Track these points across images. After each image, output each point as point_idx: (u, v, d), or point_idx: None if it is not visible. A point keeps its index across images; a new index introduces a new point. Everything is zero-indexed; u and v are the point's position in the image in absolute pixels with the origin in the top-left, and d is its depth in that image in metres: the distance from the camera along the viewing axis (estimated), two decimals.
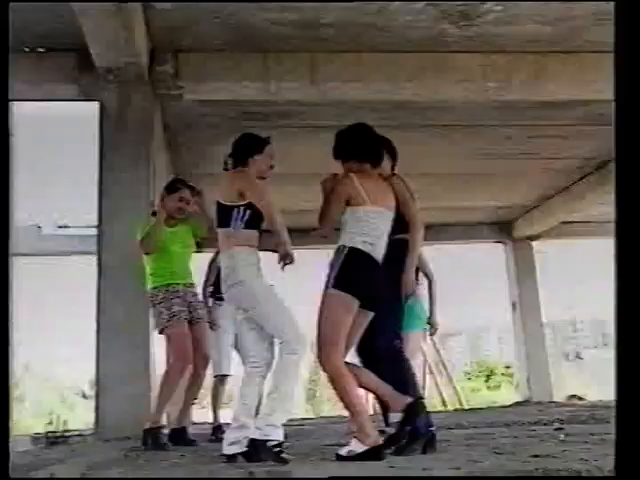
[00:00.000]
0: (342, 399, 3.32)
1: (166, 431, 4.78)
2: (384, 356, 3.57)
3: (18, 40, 5.95)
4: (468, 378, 38.25)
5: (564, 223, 12.52)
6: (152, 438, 4.42)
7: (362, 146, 3.59)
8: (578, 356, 36.88)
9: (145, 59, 5.97)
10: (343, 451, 3.26)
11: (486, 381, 37.18)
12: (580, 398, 13.17)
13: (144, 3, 5.42)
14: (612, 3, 2.02)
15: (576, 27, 6.01)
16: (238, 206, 3.50)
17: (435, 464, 2.96)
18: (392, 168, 4.00)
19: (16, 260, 14.04)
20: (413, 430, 3.33)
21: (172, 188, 4.82)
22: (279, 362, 3.37)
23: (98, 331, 5.74)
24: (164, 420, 4.75)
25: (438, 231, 12.34)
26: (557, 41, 6.25)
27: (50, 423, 11.90)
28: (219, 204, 3.57)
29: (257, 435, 3.21)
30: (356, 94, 6.66)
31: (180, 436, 4.71)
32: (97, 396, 5.71)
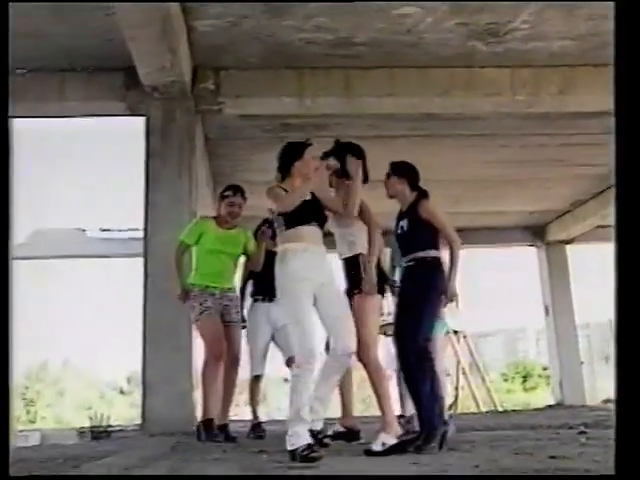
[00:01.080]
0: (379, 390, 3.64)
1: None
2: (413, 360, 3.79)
3: (70, 60, 6.40)
4: (504, 379, 37.95)
5: (599, 227, 12.58)
6: (204, 430, 4.77)
7: None
8: None
9: (188, 77, 6.34)
10: (377, 446, 3.53)
11: (523, 382, 36.86)
12: None
13: (188, 25, 5.77)
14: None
15: (602, 42, 6.18)
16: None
17: (456, 462, 3.24)
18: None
19: (61, 262, 14.64)
20: (429, 430, 3.60)
21: (223, 194, 5.13)
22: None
23: (144, 334, 6.12)
24: (213, 413, 4.91)
25: (472, 234, 12.47)
26: (584, 55, 6.43)
27: (92, 418, 12.35)
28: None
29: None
30: (388, 108, 6.92)
31: (221, 432, 4.94)
32: (143, 394, 6.09)
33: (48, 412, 30.96)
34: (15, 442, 7.60)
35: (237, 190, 5.12)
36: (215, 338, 4.82)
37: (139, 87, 6.36)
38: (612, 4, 1.87)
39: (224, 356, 4.87)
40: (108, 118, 7.16)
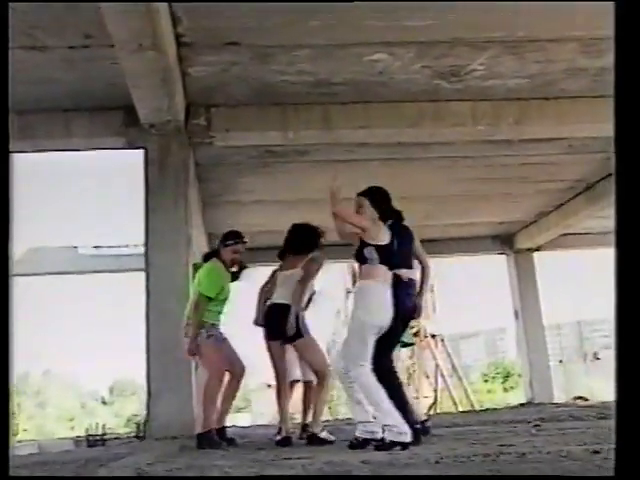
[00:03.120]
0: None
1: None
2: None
3: (75, 101, 7.05)
4: (485, 380, 38.72)
5: (564, 235, 13.46)
6: (206, 440, 5.16)
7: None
8: (596, 357, 37.12)
9: (182, 115, 7.02)
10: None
11: (503, 382, 37.62)
12: (585, 399, 14.04)
13: (183, 71, 6.45)
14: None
15: (551, 80, 6.98)
16: None
17: (422, 451, 3.96)
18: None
19: (54, 278, 15.15)
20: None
21: (227, 242, 5.43)
22: None
23: (148, 347, 6.79)
24: (212, 424, 5.35)
25: (444, 245, 13.36)
26: (536, 90, 7.22)
27: (88, 428, 12.94)
28: None
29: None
30: (364, 138, 7.66)
31: (220, 435, 5.44)
32: (148, 402, 6.75)
33: (30, 424, 31.13)
34: (13, 453, 8.14)
35: (239, 237, 5.46)
36: (220, 359, 5.30)
37: (138, 124, 7.03)
38: (612, 4, 1.84)
39: (225, 373, 5.38)
40: (108, 152, 7.80)
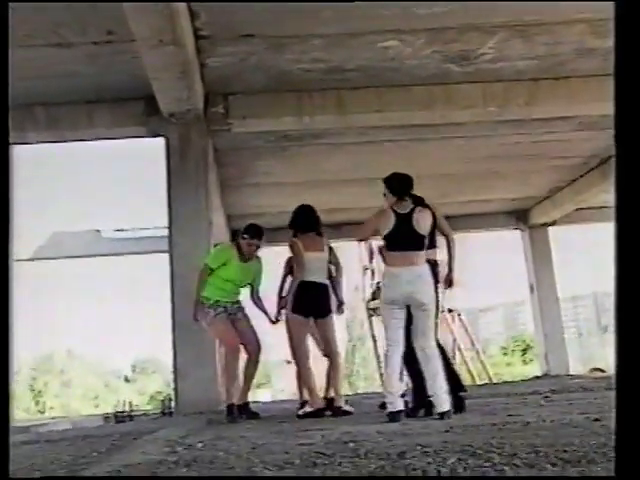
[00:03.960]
0: None
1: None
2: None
3: (98, 93, 7.32)
4: (504, 353, 38.78)
5: (578, 210, 13.57)
6: (232, 412, 5.50)
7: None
8: None
9: (201, 104, 7.26)
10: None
11: (522, 355, 37.62)
12: (602, 370, 14.26)
13: (201, 62, 6.68)
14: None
15: (559, 60, 7.12)
16: None
17: (435, 421, 4.25)
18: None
19: (78, 261, 15.58)
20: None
21: (244, 235, 5.68)
22: None
23: (173, 326, 7.12)
24: (232, 396, 5.67)
25: (461, 221, 13.51)
26: (545, 71, 7.36)
27: (117, 404, 13.38)
28: None
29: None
30: (377, 122, 7.86)
31: (243, 410, 5.75)
32: (175, 379, 7.11)
33: (55, 402, 31.92)
34: (45, 428, 8.57)
35: (255, 234, 5.68)
36: (229, 334, 5.61)
37: (158, 113, 7.30)
38: (612, 4, 1.84)
39: (239, 347, 5.64)
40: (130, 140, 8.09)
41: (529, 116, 8.06)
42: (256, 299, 5.90)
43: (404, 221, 4.55)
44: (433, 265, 4.89)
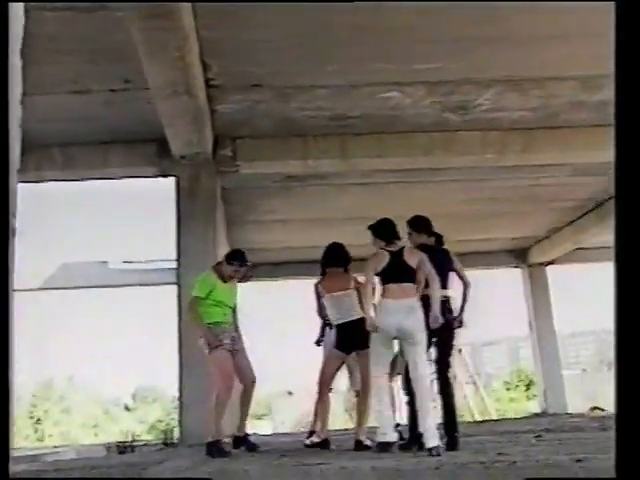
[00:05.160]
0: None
1: (227, 440, 5.94)
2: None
3: (113, 135, 7.69)
4: (507, 388, 38.55)
5: (577, 249, 13.85)
6: (216, 448, 5.54)
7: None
8: None
9: (210, 147, 7.62)
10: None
11: (526, 390, 37.33)
12: (601, 409, 14.37)
13: (211, 109, 7.05)
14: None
15: (552, 112, 7.48)
16: None
17: (427, 459, 4.48)
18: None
19: (87, 291, 15.86)
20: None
21: (230, 262, 5.87)
22: None
23: (180, 360, 7.38)
24: (223, 432, 5.79)
25: (462, 258, 13.78)
26: (540, 121, 7.72)
27: (121, 434, 13.50)
28: None
29: None
30: (378, 166, 8.22)
31: (242, 442, 5.97)
32: (180, 412, 7.35)
33: (55, 430, 31.83)
34: (52, 457, 8.75)
35: (243, 261, 5.90)
36: (228, 370, 5.75)
37: (170, 155, 7.65)
38: (612, 4, 1.85)
39: (233, 383, 5.80)
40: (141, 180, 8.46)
41: (525, 162, 8.41)
42: (237, 324, 6.10)
43: (397, 257, 4.95)
44: (445, 302, 5.22)
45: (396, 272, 4.93)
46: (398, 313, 4.85)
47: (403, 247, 5.04)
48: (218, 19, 5.61)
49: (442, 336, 5.22)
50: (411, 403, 5.13)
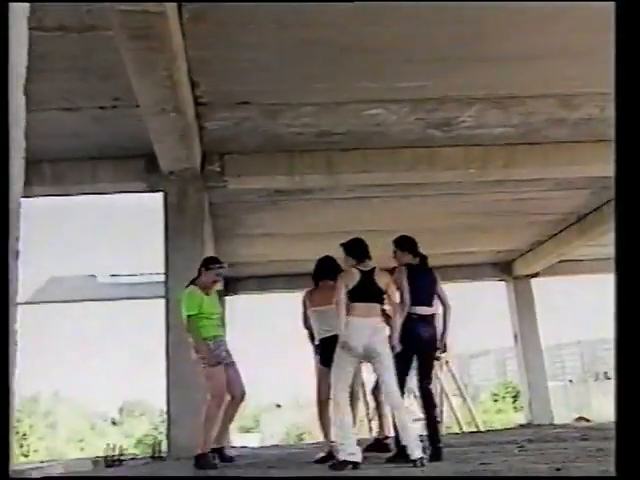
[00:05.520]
0: None
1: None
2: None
3: (102, 151, 7.78)
4: (494, 399, 38.63)
5: (561, 262, 14.06)
6: (205, 461, 5.61)
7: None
8: (606, 376, 37.07)
9: (198, 162, 7.73)
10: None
11: (513, 402, 37.42)
12: (587, 420, 14.52)
13: (199, 126, 7.17)
14: None
15: (534, 129, 7.67)
16: None
17: (411, 469, 4.58)
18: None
19: (75, 305, 15.84)
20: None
21: (210, 266, 6.10)
22: None
23: (168, 375, 7.44)
24: (209, 446, 5.82)
25: (445, 272, 13.95)
26: (521, 137, 7.90)
27: (107, 448, 13.42)
28: None
29: None
30: (363, 181, 8.36)
31: (219, 454, 5.97)
32: (168, 426, 7.40)
33: (40, 445, 31.54)
34: (40, 473, 8.75)
35: (220, 263, 6.17)
36: (222, 384, 5.86)
37: (158, 170, 7.75)
38: (612, 4, 1.85)
39: (225, 399, 5.91)
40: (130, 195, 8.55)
41: (507, 177, 8.58)
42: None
43: (367, 276, 5.06)
44: (430, 319, 5.39)
45: (365, 291, 5.04)
46: (365, 330, 4.94)
47: (374, 267, 5.15)
48: (206, 39, 5.74)
49: (424, 351, 5.36)
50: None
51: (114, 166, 7.92)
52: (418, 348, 5.27)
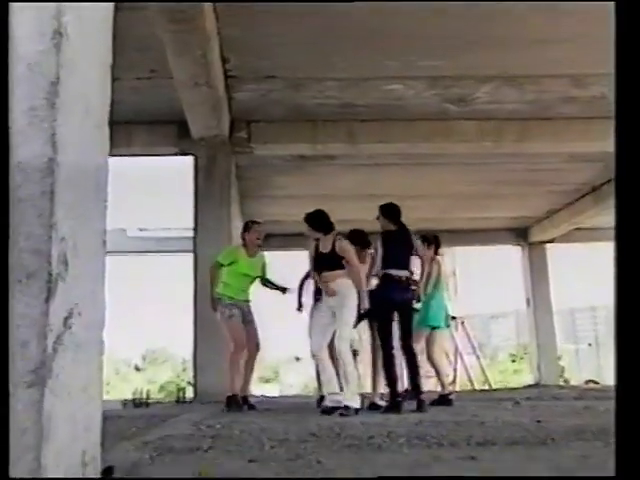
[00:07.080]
0: None
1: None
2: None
3: (137, 116, 8.30)
4: (512, 360, 39.12)
5: (576, 229, 14.40)
6: (234, 402, 6.35)
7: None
8: None
9: (227, 129, 8.23)
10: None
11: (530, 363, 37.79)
12: (596, 382, 15.04)
13: (229, 97, 7.64)
14: None
15: (546, 105, 8.02)
16: None
17: (410, 416, 5.17)
18: None
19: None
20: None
21: (250, 227, 6.64)
22: None
23: (195, 326, 8.09)
24: (236, 390, 6.46)
25: (462, 236, 14.46)
26: (534, 113, 8.25)
27: (134, 392, 14.29)
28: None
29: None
30: (381, 150, 8.80)
31: (245, 402, 6.55)
32: (195, 373, 8.08)
33: None
34: None
35: (256, 222, 6.76)
36: (240, 335, 6.48)
37: (189, 136, 8.27)
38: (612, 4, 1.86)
39: (246, 346, 6.52)
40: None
41: (521, 151, 8.96)
42: (267, 282, 6.74)
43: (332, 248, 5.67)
44: (407, 280, 5.87)
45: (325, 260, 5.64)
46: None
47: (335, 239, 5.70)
48: (237, 18, 6.17)
49: (403, 311, 5.87)
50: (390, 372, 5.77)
51: (148, 131, 8.44)
52: (392, 309, 5.78)
